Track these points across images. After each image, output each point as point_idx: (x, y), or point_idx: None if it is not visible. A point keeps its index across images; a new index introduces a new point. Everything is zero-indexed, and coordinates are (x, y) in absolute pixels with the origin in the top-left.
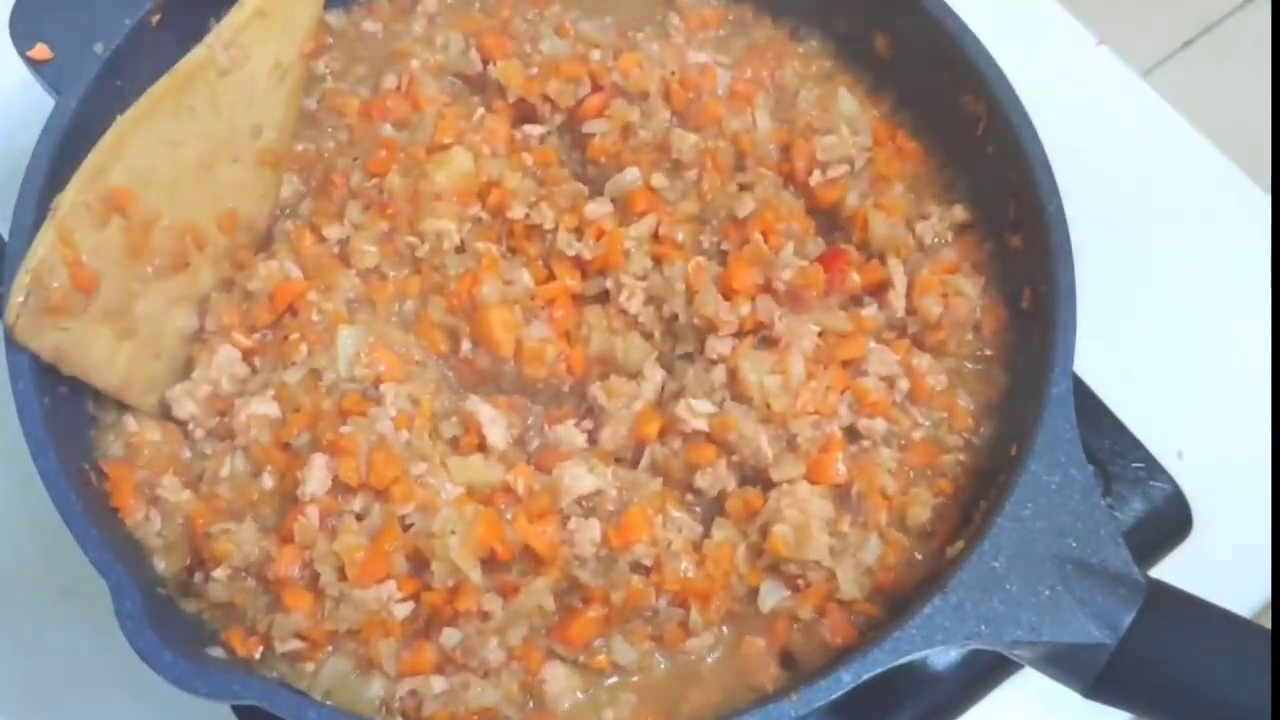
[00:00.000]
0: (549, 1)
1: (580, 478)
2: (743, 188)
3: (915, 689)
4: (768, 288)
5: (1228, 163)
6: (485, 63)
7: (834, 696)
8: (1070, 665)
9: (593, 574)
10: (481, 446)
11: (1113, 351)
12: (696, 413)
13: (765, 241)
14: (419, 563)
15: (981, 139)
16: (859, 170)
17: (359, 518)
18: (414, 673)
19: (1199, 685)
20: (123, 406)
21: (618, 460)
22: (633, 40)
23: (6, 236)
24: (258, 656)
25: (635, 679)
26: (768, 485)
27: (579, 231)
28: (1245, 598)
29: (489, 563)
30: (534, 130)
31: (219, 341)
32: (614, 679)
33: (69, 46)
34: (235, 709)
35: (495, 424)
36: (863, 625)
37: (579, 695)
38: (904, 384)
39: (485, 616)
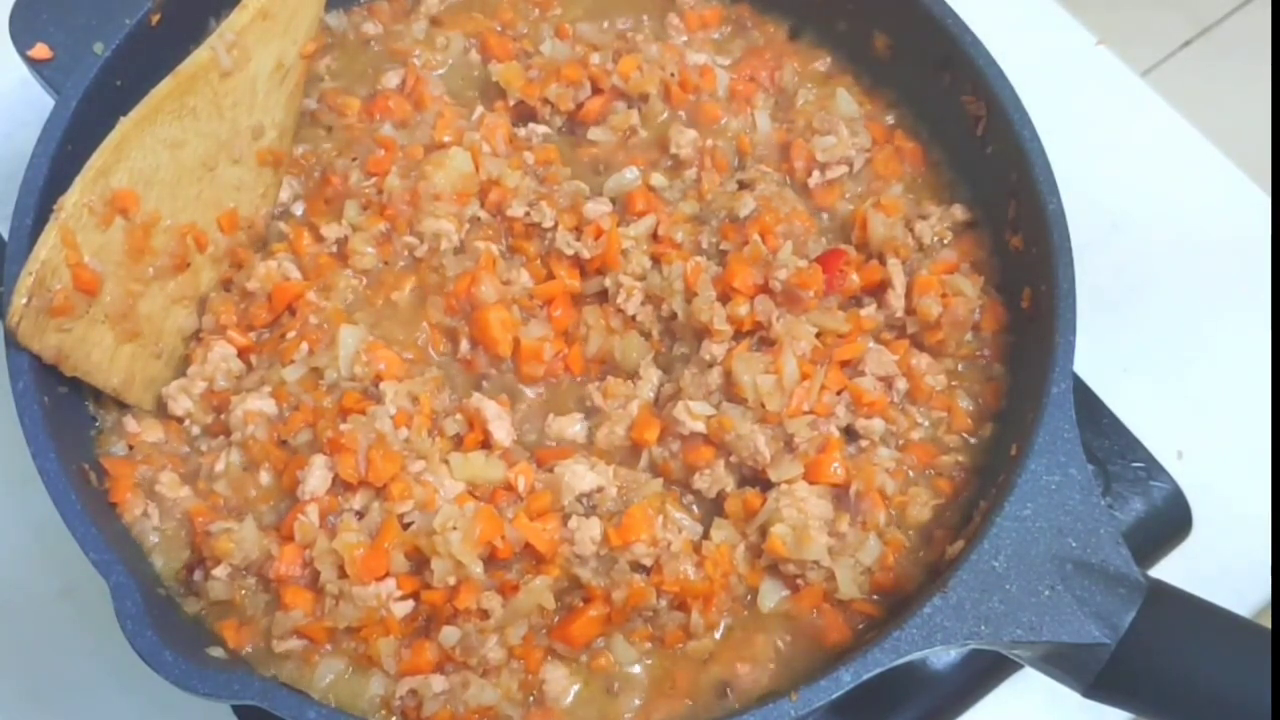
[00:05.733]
0: (550, 3)
1: (582, 475)
2: (742, 186)
3: (915, 689)
4: (765, 288)
5: (1228, 163)
6: (485, 63)
7: (834, 696)
8: (1070, 665)
9: (593, 573)
10: (485, 443)
11: (1113, 351)
12: (695, 414)
13: (764, 242)
14: (419, 561)
15: (981, 139)
16: (858, 171)
17: (359, 515)
18: (414, 671)
19: (1198, 685)
20: (123, 406)
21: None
22: (632, 42)
23: (6, 237)
24: (250, 649)
25: (636, 678)
26: (766, 486)
27: (578, 230)
28: (1245, 598)
29: (489, 561)
30: (535, 129)
31: (215, 339)
32: (615, 678)
33: (69, 46)
34: (235, 709)
35: (500, 420)
36: (862, 625)
37: (579, 694)
38: (902, 384)
39: (485, 615)
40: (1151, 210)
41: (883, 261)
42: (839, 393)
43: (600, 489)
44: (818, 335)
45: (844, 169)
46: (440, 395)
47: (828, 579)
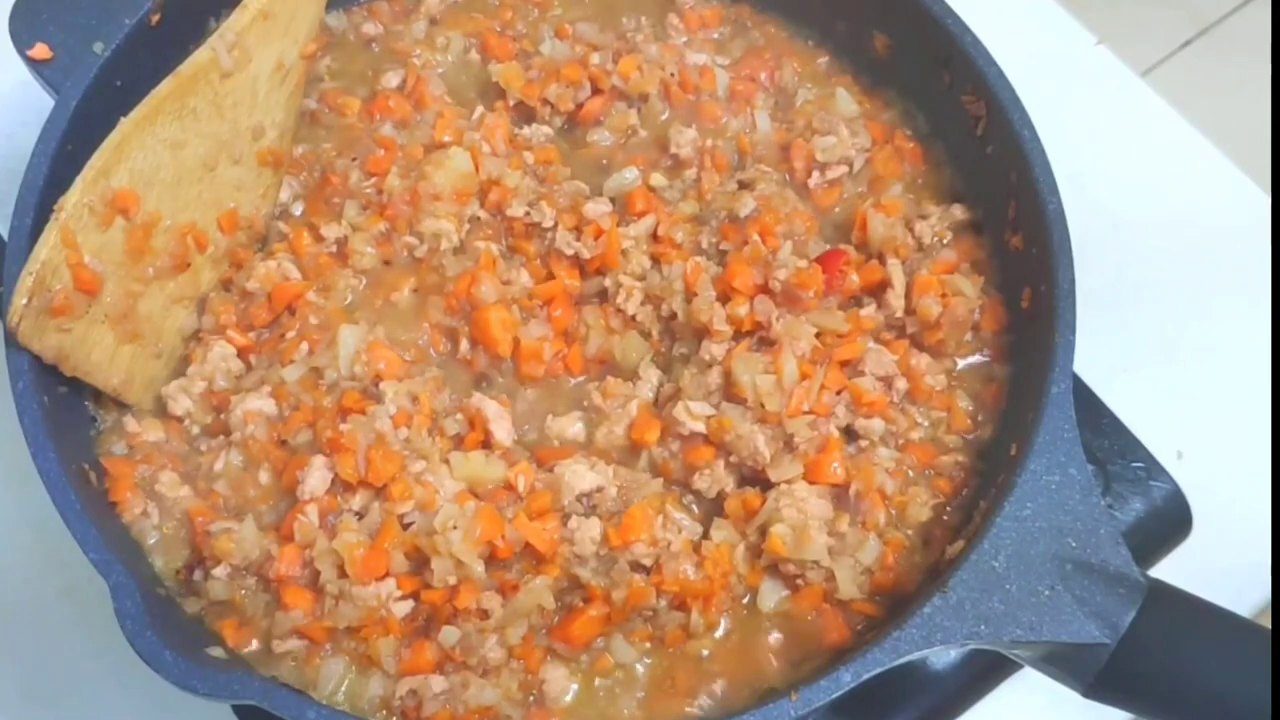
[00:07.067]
0: (550, 3)
1: (582, 475)
2: (742, 186)
3: (915, 689)
4: (765, 288)
5: (1228, 163)
6: (485, 63)
7: (834, 696)
8: (1070, 665)
9: (593, 573)
10: (486, 443)
11: (1113, 351)
12: (694, 414)
13: (764, 242)
14: (419, 561)
15: (981, 139)
16: (858, 171)
17: (359, 515)
18: (414, 671)
19: (1198, 685)
20: (122, 405)
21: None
22: (632, 42)
23: (6, 237)
24: (250, 649)
25: (637, 677)
26: (766, 486)
27: (578, 230)
28: (1245, 598)
29: (489, 561)
30: (535, 129)
31: (214, 339)
32: (615, 677)
33: (69, 46)
34: (235, 709)
35: (501, 420)
36: (862, 625)
37: (579, 693)
38: (902, 384)
39: (484, 614)
40: (1151, 210)
41: (883, 261)
42: (839, 393)
43: (600, 489)
44: (817, 335)
45: (844, 169)
46: (440, 395)
47: (828, 579)
